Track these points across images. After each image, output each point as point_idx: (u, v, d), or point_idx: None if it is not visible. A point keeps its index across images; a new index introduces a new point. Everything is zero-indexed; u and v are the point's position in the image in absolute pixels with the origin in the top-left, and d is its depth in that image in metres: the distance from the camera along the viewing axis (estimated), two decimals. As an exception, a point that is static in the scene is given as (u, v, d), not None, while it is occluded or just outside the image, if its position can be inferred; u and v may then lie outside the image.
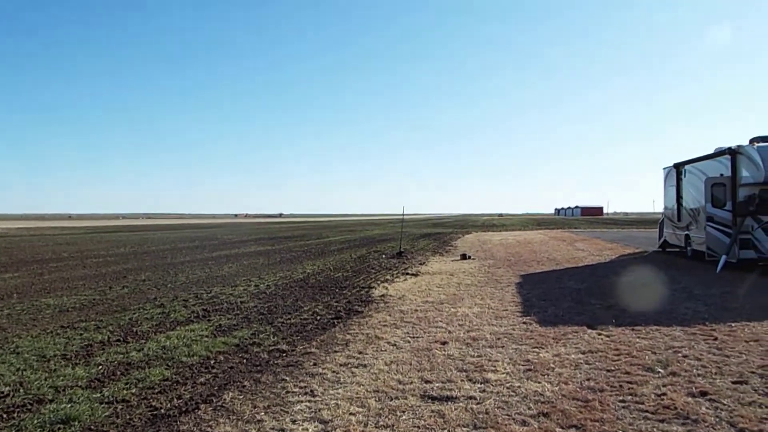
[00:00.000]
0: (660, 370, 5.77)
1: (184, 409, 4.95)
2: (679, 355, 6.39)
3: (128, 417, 4.78)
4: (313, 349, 7.02)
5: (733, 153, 14.86)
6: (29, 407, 5.00)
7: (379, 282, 13.54)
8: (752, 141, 14.69)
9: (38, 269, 17.56)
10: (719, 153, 15.73)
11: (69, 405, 5.01)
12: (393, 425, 4.51)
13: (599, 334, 7.51)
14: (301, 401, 5.10)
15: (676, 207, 19.49)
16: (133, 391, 5.44)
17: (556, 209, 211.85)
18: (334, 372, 6.01)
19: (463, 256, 19.99)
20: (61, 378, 5.85)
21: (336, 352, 6.88)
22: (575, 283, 12.83)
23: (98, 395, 5.30)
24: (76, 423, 4.64)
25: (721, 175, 15.34)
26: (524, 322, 8.43)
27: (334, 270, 16.50)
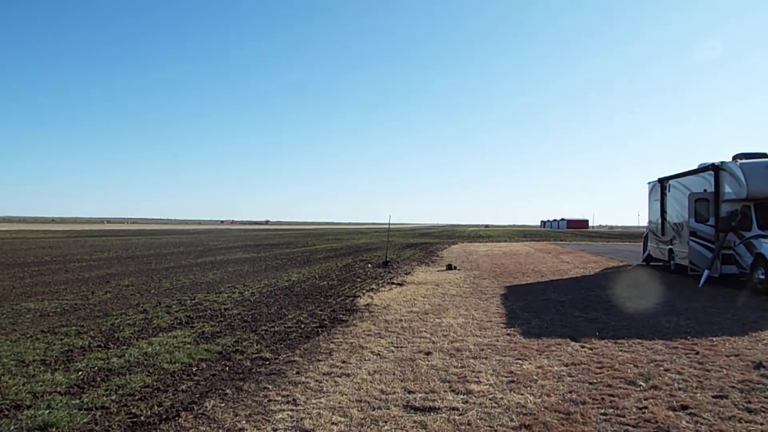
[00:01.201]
0: (642, 384, 5.81)
1: (164, 416, 4.90)
2: (661, 368, 6.44)
3: (107, 424, 4.71)
4: (296, 358, 6.99)
5: (717, 169, 15.05)
6: (6, 413, 4.92)
7: (364, 291, 13.52)
8: (735, 157, 14.89)
9: (19, 273, 17.33)
10: (703, 169, 15.93)
11: (47, 411, 4.94)
12: (375, 435, 4.49)
13: (582, 347, 7.56)
14: (283, 410, 5.07)
15: (660, 221, 19.70)
16: (113, 397, 5.37)
17: (542, 221, 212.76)
18: (317, 381, 5.99)
19: (449, 267, 20.04)
20: (40, 383, 5.77)
21: (319, 360, 6.86)
22: (559, 296, 12.90)
23: (77, 401, 5.24)
24: (55, 429, 4.57)
25: (705, 190, 15.54)
26: (508, 334, 8.46)
27: (320, 278, 16.45)
